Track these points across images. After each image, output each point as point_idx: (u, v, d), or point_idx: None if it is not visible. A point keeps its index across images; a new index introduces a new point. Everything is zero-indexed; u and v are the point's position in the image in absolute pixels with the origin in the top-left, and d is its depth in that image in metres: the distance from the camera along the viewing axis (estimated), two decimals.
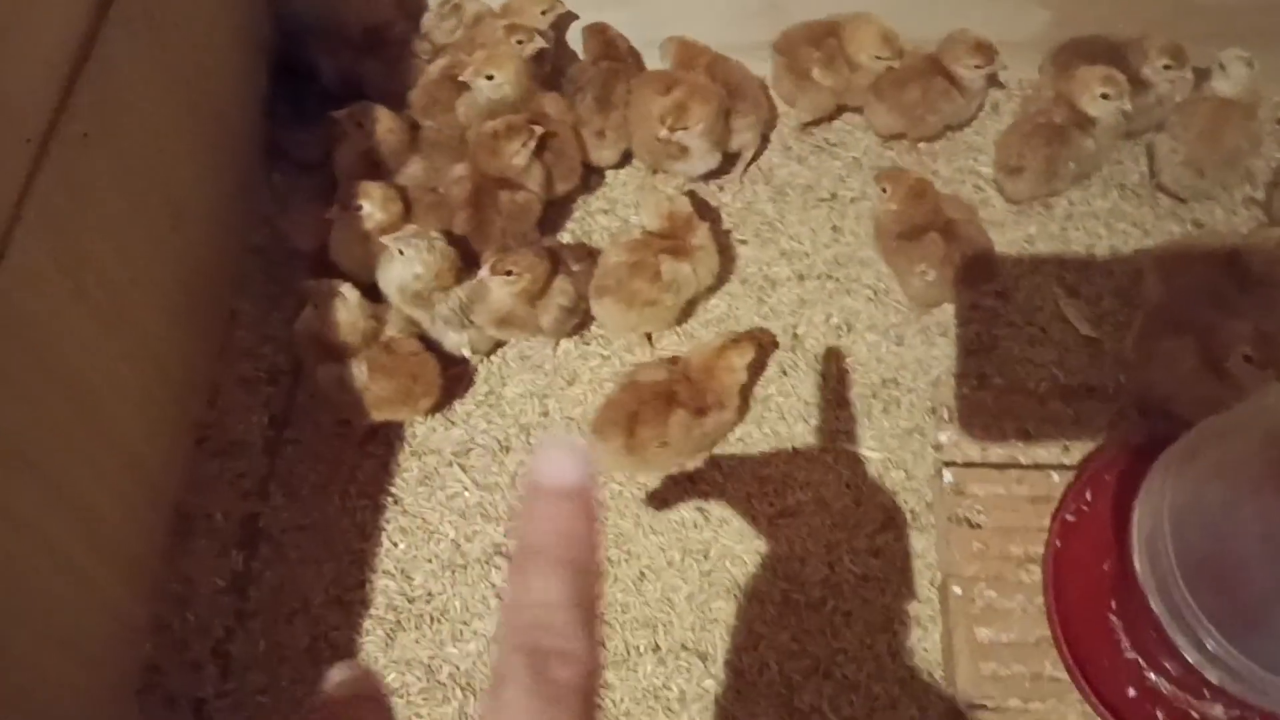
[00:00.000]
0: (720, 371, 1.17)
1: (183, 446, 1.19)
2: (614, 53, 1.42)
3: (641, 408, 1.14)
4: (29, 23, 0.90)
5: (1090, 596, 1.08)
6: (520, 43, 1.35)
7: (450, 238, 1.23)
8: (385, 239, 1.18)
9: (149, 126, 1.09)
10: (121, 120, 1.03)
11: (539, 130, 1.27)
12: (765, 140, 1.48)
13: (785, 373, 1.29)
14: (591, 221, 1.42)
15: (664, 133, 1.31)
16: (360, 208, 1.21)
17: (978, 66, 1.38)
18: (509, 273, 1.17)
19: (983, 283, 1.33)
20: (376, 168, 1.31)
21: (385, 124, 1.30)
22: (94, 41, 0.98)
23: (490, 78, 1.30)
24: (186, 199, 1.17)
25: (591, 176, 1.43)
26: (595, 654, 0.30)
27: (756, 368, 1.24)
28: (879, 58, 1.40)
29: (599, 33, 1.43)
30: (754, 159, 1.46)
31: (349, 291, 1.14)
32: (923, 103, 1.41)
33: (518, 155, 1.26)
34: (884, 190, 1.30)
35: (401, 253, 1.17)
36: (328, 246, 1.26)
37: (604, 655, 0.25)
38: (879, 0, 1.41)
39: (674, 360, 1.20)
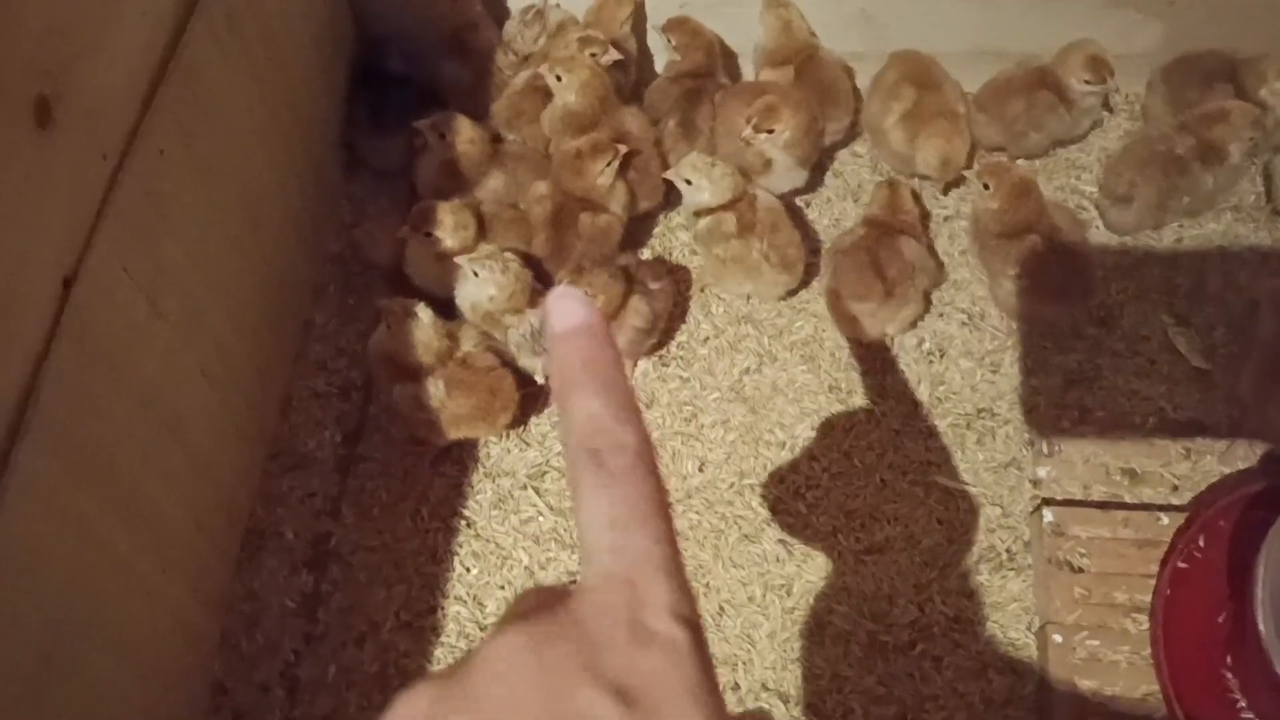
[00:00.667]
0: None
1: (255, 461, 1.17)
2: (700, 47, 1.37)
3: None
4: (114, 36, 0.88)
5: (1203, 651, 1.01)
6: (594, 55, 1.31)
7: (526, 258, 1.20)
8: (459, 260, 1.15)
9: (229, 135, 1.07)
10: (201, 130, 1.01)
11: (623, 150, 1.23)
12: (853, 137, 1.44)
13: (874, 400, 1.23)
14: (672, 238, 1.38)
15: (747, 131, 1.26)
16: (429, 234, 1.18)
17: (1088, 83, 1.31)
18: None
19: (1079, 299, 1.25)
20: (457, 179, 1.29)
21: (466, 134, 1.27)
22: (176, 51, 0.96)
23: (559, 78, 1.27)
24: (265, 208, 1.16)
25: (672, 192, 1.38)
26: (640, 437, 0.34)
27: None
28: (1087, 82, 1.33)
29: (681, 23, 1.37)
30: None
31: (423, 312, 1.11)
32: (1025, 117, 1.35)
33: (602, 175, 1.23)
34: (986, 186, 1.23)
35: (476, 274, 1.14)
36: (404, 261, 1.23)
37: (649, 440, 0.29)
38: (984, 11, 1.35)
39: None
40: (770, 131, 1.27)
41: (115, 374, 0.88)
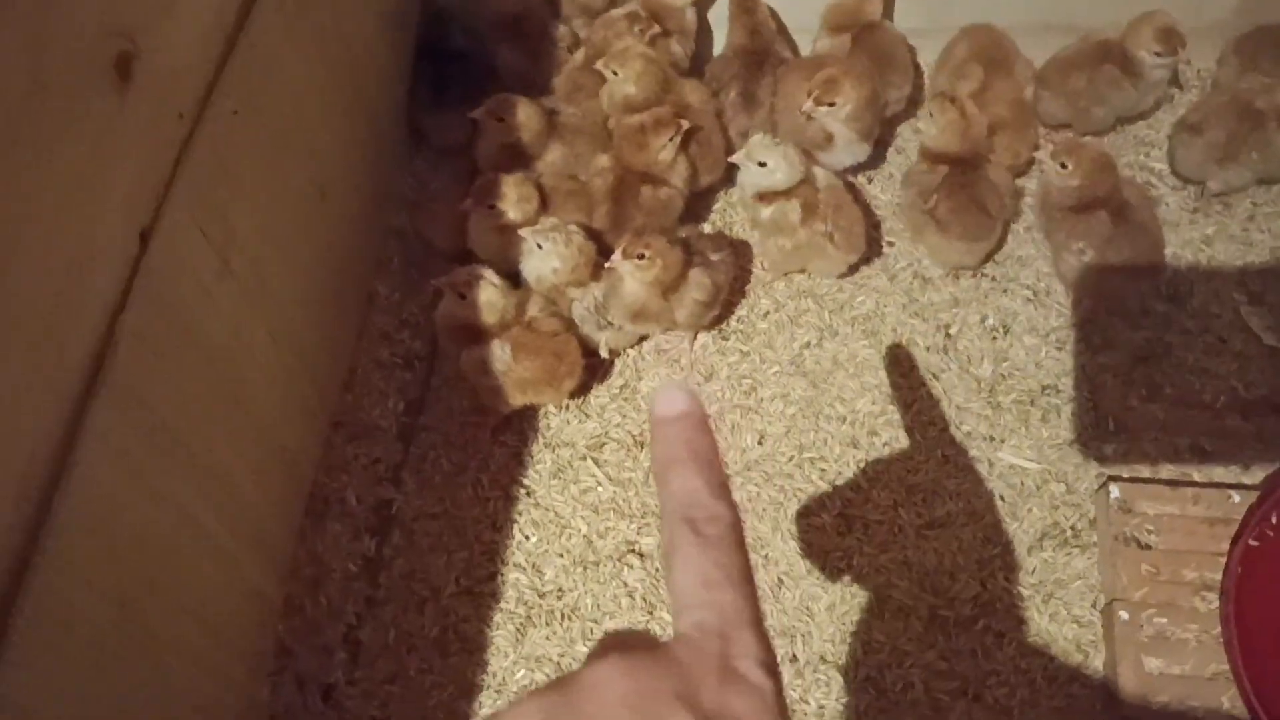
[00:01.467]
0: None
1: (320, 428, 1.18)
2: (759, 35, 1.36)
3: None
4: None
5: (1277, 629, 0.99)
6: (641, 31, 1.31)
7: (588, 231, 1.20)
8: (523, 232, 1.16)
9: (296, 103, 1.08)
10: (270, 96, 1.02)
11: (685, 125, 1.23)
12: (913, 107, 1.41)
13: (936, 376, 1.22)
14: (733, 213, 1.37)
15: (808, 104, 1.25)
16: (493, 207, 1.19)
17: (1159, 54, 1.28)
18: (640, 256, 1.13)
19: (1146, 276, 1.23)
20: (517, 156, 1.29)
21: (520, 115, 1.27)
22: (247, 18, 0.98)
23: (615, 73, 1.27)
24: (331, 178, 1.17)
25: (734, 166, 1.38)
26: (733, 512, 0.39)
27: None
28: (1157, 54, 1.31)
29: (746, 11, 1.37)
30: None
31: (489, 274, 1.12)
32: (1088, 92, 1.33)
33: (664, 150, 1.22)
34: (1063, 165, 1.20)
35: (540, 247, 1.15)
36: (465, 237, 1.24)
37: (740, 517, 0.39)
38: None
39: None
40: (831, 104, 1.25)
41: (185, 333, 0.90)
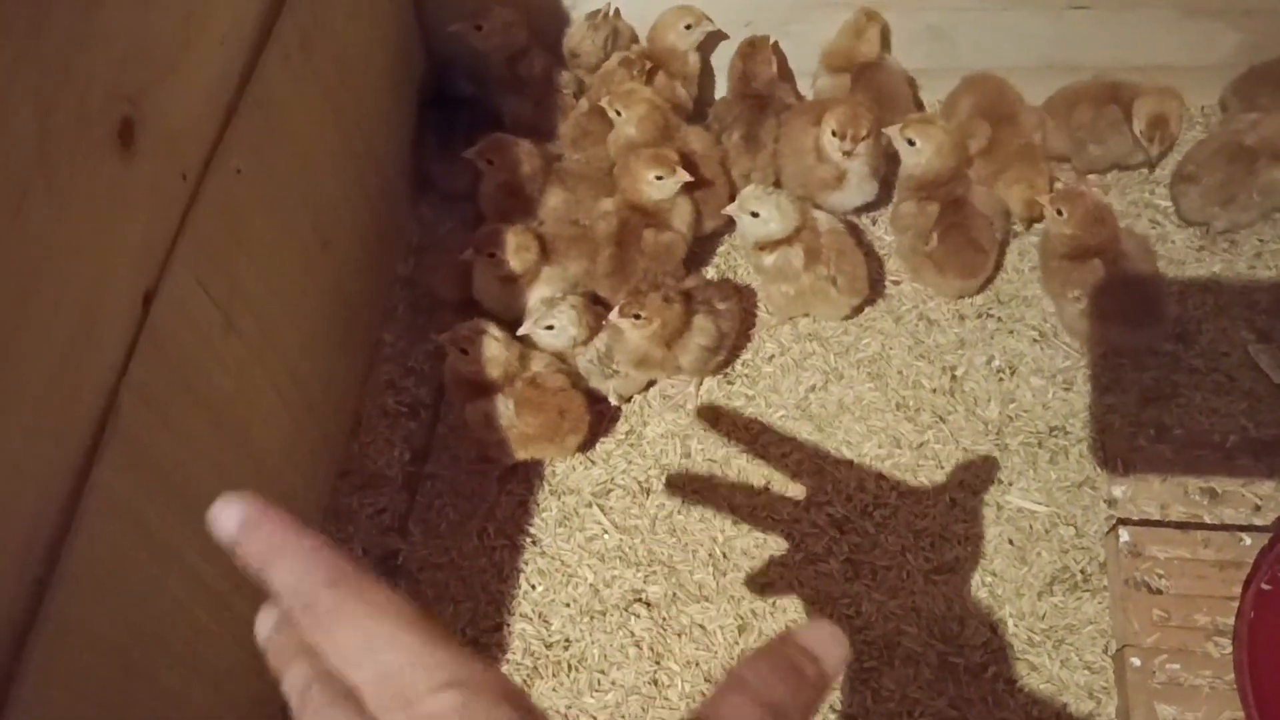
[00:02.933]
0: None
1: (325, 478, 1.19)
2: (761, 78, 1.37)
3: None
4: (193, 58, 0.91)
5: None
6: (638, 73, 1.32)
7: (591, 276, 1.21)
8: (526, 328, 1.17)
9: (301, 157, 1.09)
10: (275, 151, 1.03)
11: (684, 177, 1.22)
12: None
13: (943, 419, 1.21)
14: (737, 256, 1.37)
15: (844, 144, 1.25)
16: (493, 255, 1.19)
17: (1142, 133, 1.31)
18: (637, 316, 1.14)
19: (1145, 326, 1.22)
20: (517, 198, 1.30)
21: (510, 155, 1.28)
22: (252, 75, 0.99)
23: (619, 113, 1.28)
24: (335, 229, 1.18)
25: None
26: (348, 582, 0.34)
27: None
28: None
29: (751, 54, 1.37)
30: None
31: (492, 328, 1.13)
32: (1088, 127, 1.33)
33: (660, 187, 1.22)
34: (1059, 213, 1.21)
35: (551, 328, 1.16)
36: (470, 285, 1.24)
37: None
38: (1056, 24, 1.33)
39: None
40: (866, 138, 1.25)
41: (190, 390, 0.90)
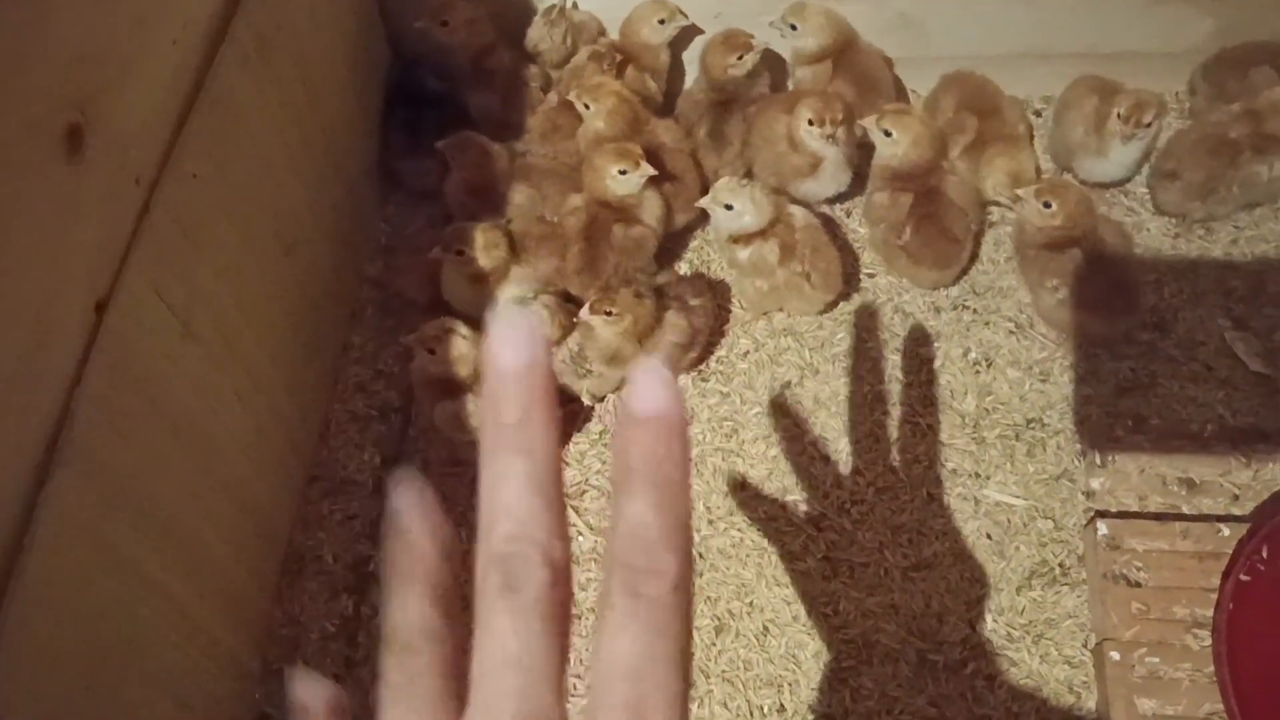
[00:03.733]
0: None
1: (294, 485, 1.17)
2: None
3: None
4: (145, 61, 0.88)
5: (1271, 667, 0.97)
6: (608, 66, 1.30)
7: (561, 273, 1.20)
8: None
9: (261, 160, 1.07)
10: (233, 154, 1.01)
11: (649, 171, 1.20)
12: None
13: (918, 413, 1.20)
14: (710, 251, 1.36)
15: (827, 130, 1.23)
16: (461, 253, 1.18)
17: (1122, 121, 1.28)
18: (608, 313, 1.12)
19: (1122, 315, 1.21)
20: (482, 196, 1.28)
21: (480, 153, 1.27)
22: (206, 77, 0.97)
23: (587, 106, 1.26)
24: (299, 231, 1.15)
25: None
26: (683, 568, 0.31)
27: None
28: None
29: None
30: None
31: (459, 326, 1.11)
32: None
33: (624, 181, 1.21)
34: (1046, 205, 1.19)
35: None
36: (439, 286, 1.23)
37: (692, 569, 0.26)
38: (1029, 11, 1.32)
39: None
40: (843, 123, 1.24)
41: (148, 400, 0.88)
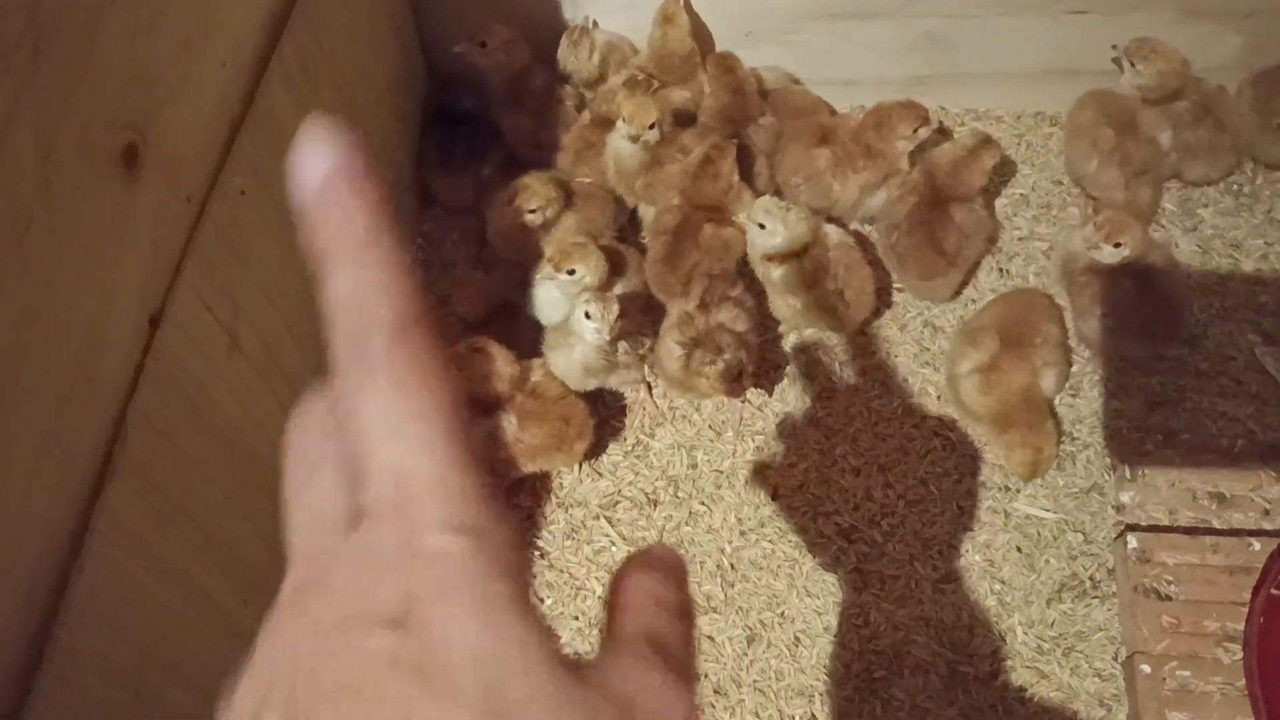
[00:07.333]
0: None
1: None
2: (741, 95, 1.36)
3: None
4: (195, 82, 0.91)
5: None
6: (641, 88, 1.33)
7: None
8: (577, 326, 1.13)
9: None
10: (276, 172, 1.02)
11: (736, 142, 1.24)
12: None
13: (949, 427, 1.21)
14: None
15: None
16: (573, 272, 1.16)
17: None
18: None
19: (1164, 341, 1.22)
20: (529, 232, 1.29)
21: (538, 198, 1.26)
22: (253, 98, 0.99)
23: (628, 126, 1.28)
24: None
25: None
26: (404, 307, 0.28)
27: None
28: None
29: (727, 70, 1.35)
30: None
31: (491, 345, 1.13)
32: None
33: (733, 173, 1.24)
34: (1117, 245, 1.17)
35: (588, 316, 1.13)
36: (478, 301, 1.25)
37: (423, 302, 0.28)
38: (1055, 29, 1.33)
39: None
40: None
41: (196, 413, 0.90)
